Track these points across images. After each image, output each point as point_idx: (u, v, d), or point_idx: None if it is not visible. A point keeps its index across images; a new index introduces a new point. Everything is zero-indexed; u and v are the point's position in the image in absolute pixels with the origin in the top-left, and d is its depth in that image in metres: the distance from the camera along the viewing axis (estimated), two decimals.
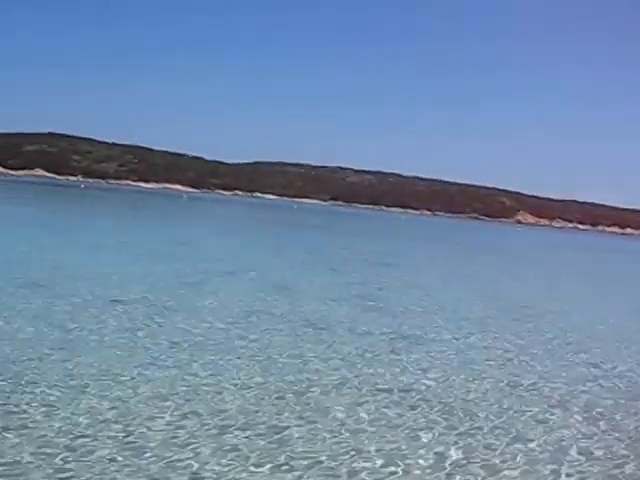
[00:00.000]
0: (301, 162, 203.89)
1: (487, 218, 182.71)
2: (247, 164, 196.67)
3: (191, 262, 22.99)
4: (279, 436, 7.29)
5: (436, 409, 8.74)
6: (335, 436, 7.45)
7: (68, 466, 6.16)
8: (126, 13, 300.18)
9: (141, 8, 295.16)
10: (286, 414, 8.01)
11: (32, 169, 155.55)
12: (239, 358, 10.37)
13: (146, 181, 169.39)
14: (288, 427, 7.58)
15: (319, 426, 7.71)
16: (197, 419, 7.58)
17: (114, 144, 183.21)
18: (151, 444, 6.78)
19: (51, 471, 6.06)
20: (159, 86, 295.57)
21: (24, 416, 7.23)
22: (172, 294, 15.42)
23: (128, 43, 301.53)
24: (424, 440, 7.59)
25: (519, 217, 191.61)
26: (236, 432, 7.29)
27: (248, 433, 7.29)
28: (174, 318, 12.91)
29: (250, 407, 8.15)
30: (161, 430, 7.19)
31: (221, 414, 7.80)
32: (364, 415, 8.23)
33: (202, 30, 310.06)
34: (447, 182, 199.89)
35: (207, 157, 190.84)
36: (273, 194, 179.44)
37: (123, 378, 8.84)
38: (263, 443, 7.06)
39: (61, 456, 6.33)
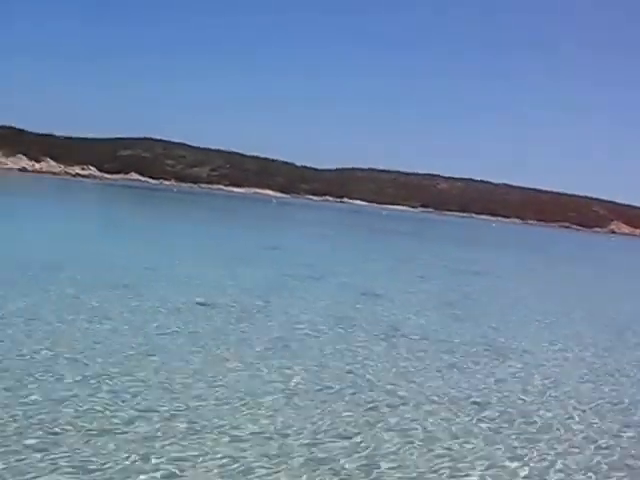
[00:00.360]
0: (391, 169, 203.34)
1: (580, 227, 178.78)
2: (337, 170, 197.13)
3: (279, 266, 22.98)
4: (370, 450, 7.08)
5: (533, 426, 8.40)
6: (428, 451, 7.21)
7: (156, 474, 6.07)
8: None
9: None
10: (378, 427, 7.79)
11: (127, 173, 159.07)
12: (329, 367, 10.20)
13: (237, 186, 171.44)
14: (379, 441, 7.37)
15: (412, 440, 7.47)
16: (287, 429, 7.42)
17: (207, 149, 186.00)
18: (241, 454, 6.65)
19: (142, 477, 5.98)
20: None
21: (114, 420, 7.19)
22: (260, 298, 15.36)
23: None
24: (521, 459, 7.28)
25: (613, 227, 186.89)
26: (327, 444, 7.10)
27: (338, 445, 7.10)
28: (261, 323, 12.84)
29: (341, 419, 7.96)
30: (250, 439, 7.05)
31: (312, 425, 7.62)
32: (458, 430, 7.95)
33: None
34: (538, 190, 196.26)
35: (297, 163, 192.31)
36: (362, 200, 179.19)
37: (212, 384, 8.76)
38: (354, 457, 6.86)
39: (150, 464, 6.25)
